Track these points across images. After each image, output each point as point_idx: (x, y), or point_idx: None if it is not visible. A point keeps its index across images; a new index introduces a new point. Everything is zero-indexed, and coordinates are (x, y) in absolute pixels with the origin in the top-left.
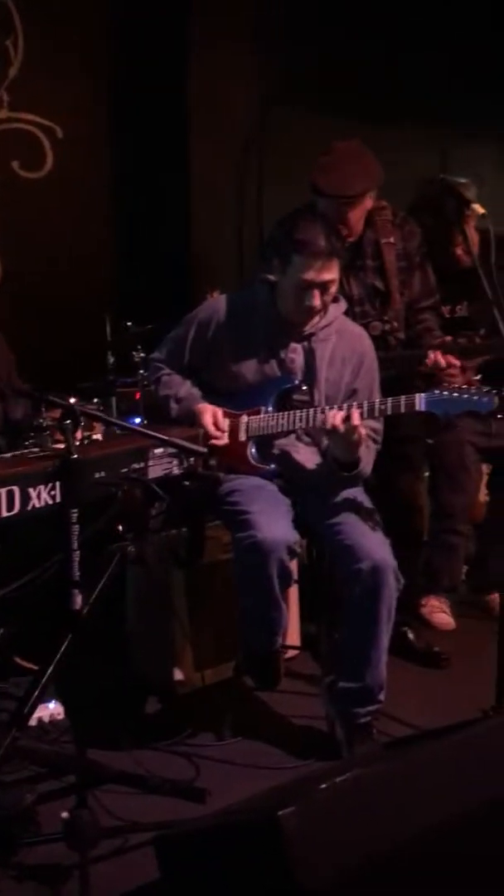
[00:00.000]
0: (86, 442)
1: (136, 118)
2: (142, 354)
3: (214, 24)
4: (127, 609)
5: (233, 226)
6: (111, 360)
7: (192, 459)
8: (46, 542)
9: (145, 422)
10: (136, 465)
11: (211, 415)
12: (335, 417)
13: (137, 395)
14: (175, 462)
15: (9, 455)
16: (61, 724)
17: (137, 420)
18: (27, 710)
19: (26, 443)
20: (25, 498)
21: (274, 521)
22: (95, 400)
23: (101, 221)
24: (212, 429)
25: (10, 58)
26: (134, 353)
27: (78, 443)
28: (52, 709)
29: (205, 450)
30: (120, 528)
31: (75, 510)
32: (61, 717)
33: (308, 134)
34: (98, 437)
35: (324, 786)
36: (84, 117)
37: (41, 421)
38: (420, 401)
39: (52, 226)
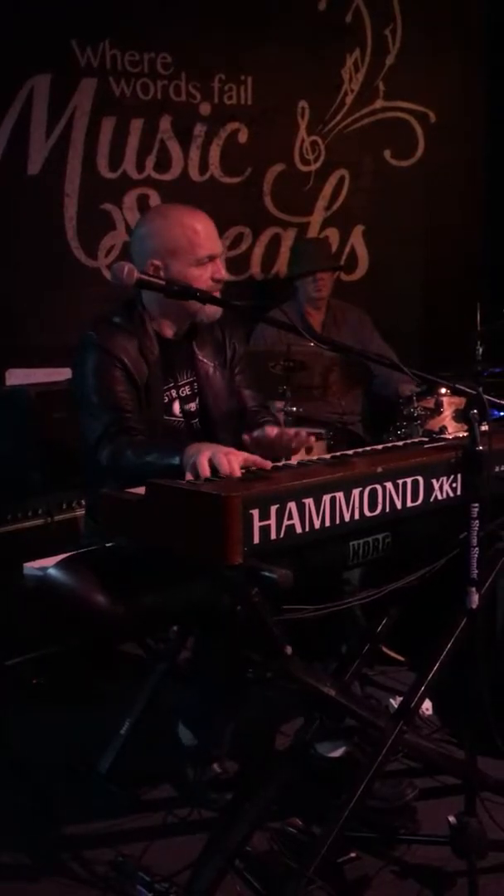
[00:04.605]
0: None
1: None
2: None
3: None
4: (497, 609)
5: None
6: (480, 349)
7: None
8: (434, 536)
9: None
10: None
11: None
12: None
13: None
14: None
15: (400, 444)
16: (430, 720)
17: None
18: (414, 703)
19: (399, 432)
20: (429, 489)
21: None
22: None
23: (471, 208)
24: None
25: (388, 47)
26: None
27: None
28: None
29: None
30: None
31: (476, 505)
32: (430, 712)
33: None
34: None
35: None
36: (458, 103)
37: (412, 410)
38: None
39: (419, 213)
